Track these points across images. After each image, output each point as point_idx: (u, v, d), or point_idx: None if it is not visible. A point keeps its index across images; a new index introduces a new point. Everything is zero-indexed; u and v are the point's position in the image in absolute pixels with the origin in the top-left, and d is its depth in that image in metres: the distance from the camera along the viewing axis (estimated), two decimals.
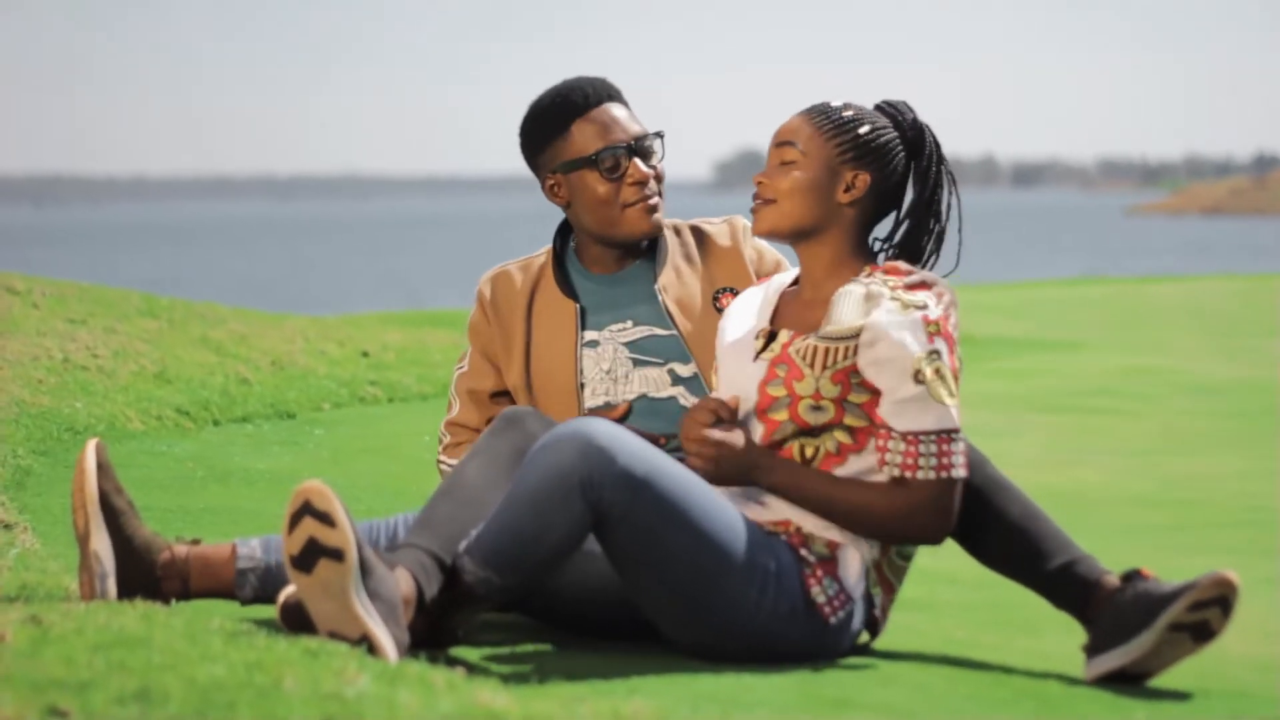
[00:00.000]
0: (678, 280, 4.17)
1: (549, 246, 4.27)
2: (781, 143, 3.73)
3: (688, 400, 4.08)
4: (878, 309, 3.60)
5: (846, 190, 3.71)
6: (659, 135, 4.19)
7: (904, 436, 3.57)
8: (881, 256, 3.78)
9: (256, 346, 8.73)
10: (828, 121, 3.72)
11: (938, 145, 3.79)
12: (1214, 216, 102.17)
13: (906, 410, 3.57)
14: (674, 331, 4.11)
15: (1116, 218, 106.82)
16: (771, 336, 3.72)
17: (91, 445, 3.72)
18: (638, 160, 4.14)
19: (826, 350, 3.62)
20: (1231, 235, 70.93)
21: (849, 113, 3.74)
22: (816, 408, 3.61)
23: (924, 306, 3.59)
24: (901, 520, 3.57)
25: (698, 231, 4.25)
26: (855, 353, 3.60)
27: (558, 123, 4.15)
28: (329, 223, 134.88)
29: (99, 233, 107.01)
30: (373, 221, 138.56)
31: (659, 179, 4.17)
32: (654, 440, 3.96)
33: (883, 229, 3.81)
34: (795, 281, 3.83)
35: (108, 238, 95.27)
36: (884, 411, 3.59)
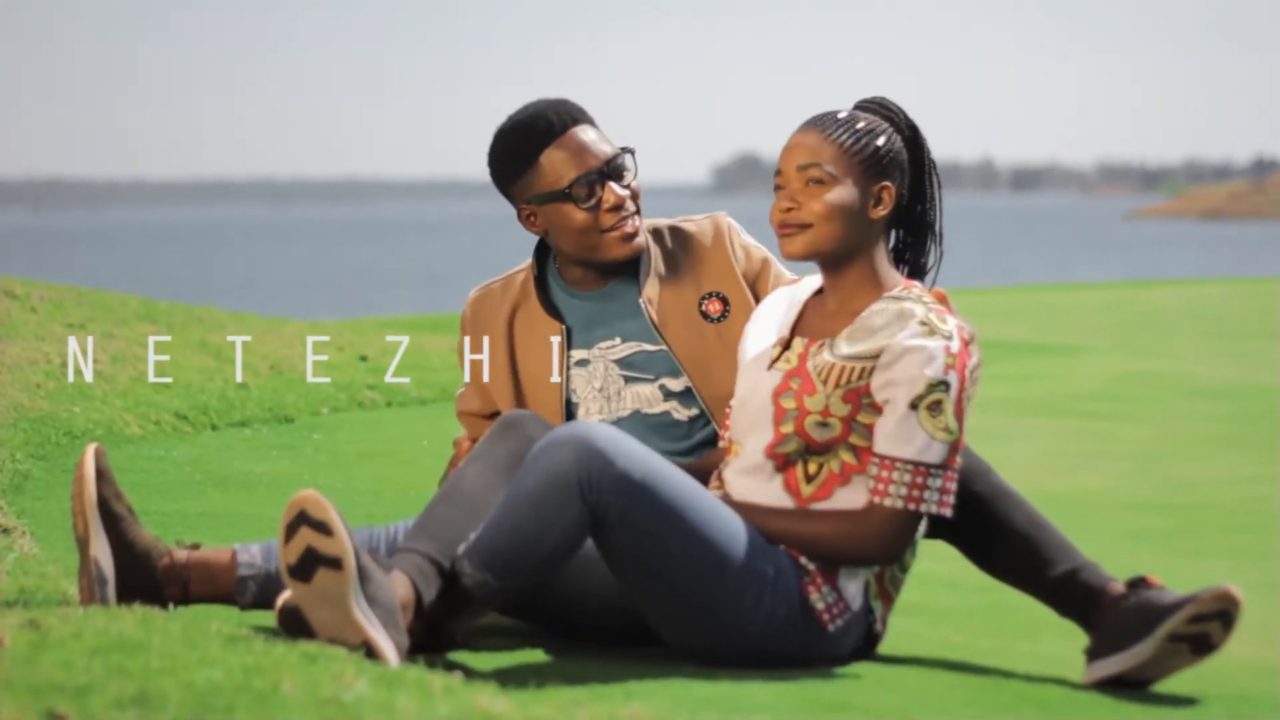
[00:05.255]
0: (662, 291, 4.10)
1: (529, 261, 4.19)
2: (806, 165, 3.61)
3: (681, 414, 4.05)
4: (904, 330, 3.55)
5: (876, 205, 3.63)
6: (629, 152, 4.09)
7: (880, 460, 3.54)
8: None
9: (255, 351, 8.73)
10: (848, 136, 3.62)
11: (927, 141, 3.73)
12: (1213, 220, 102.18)
13: (892, 433, 3.52)
14: (662, 346, 4.06)
15: (1116, 222, 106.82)
16: (787, 345, 3.69)
17: (90, 450, 3.71)
18: (612, 184, 4.05)
19: (843, 369, 3.58)
20: (1230, 239, 70.93)
21: (861, 124, 3.64)
22: (823, 424, 3.58)
23: (950, 337, 3.53)
24: (852, 548, 3.54)
25: (679, 233, 4.16)
26: (871, 373, 3.56)
27: (526, 153, 4.06)
28: (328, 227, 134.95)
29: (97, 237, 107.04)
30: (372, 225, 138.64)
31: (635, 197, 4.08)
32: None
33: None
34: (819, 290, 3.77)
35: (106, 242, 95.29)
36: (875, 430, 3.57)
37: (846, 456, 3.59)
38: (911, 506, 3.52)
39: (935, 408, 3.51)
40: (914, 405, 3.50)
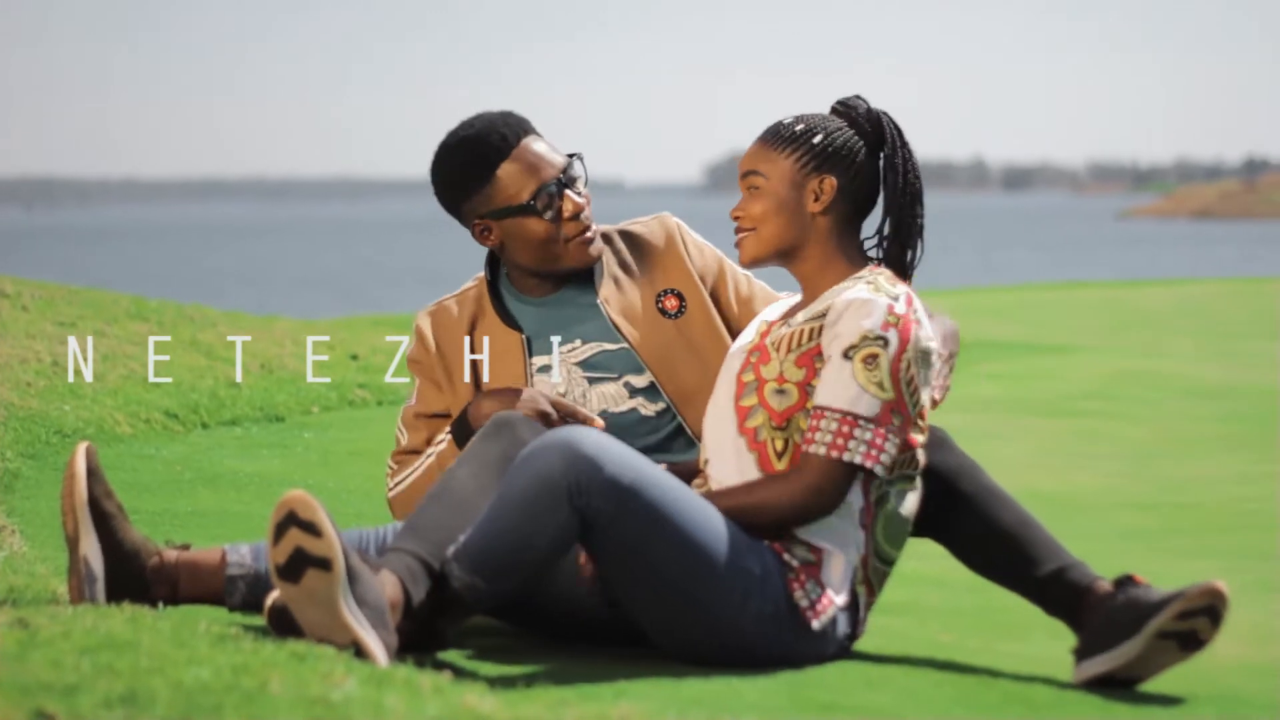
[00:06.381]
0: (618, 291, 4.13)
1: (480, 275, 4.20)
2: (745, 173, 3.76)
3: (648, 410, 4.06)
4: (850, 290, 3.61)
5: (816, 200, 3.72)
6: (579, 157, 4.12)
7: (814, 410, 3.57)
8: (875, 253, 3.78)
9: (245, 349, 8.72)
10: (780, 140, 3.74)
11: (898, 130, 3.78)
12: (1204, 220, 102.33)
13: (826, 384, 3.57)
14: (623, 344, 4.08)
15: (1107, 221, 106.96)
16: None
17: (82, 449, 3.71)
18: (569, 192, 4.07)
19: (794, 333, 3.64)
20: (1222, 238, 71.04)
21: (800, 126, 3.75)
22: (780, 391, 3.62)
23: (895, 298, 3.59)
24: (784, 501, 3.54)
25: (629, 236, 4.21)
26: (820, 333, 3.61)
27: (480, 169, 4.06)
28: (320, 225, 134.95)
29: (89, 235, 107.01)
30: (364, 224, 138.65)
31: (588, 202, 4.11)
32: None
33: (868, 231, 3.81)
34: None
35: (98, 240, 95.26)
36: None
37: (805, 424, 3.60)
38: (835, 454, 3.53)
39: (870, 361, 3.55)
40: (847, 355, 3.55)
